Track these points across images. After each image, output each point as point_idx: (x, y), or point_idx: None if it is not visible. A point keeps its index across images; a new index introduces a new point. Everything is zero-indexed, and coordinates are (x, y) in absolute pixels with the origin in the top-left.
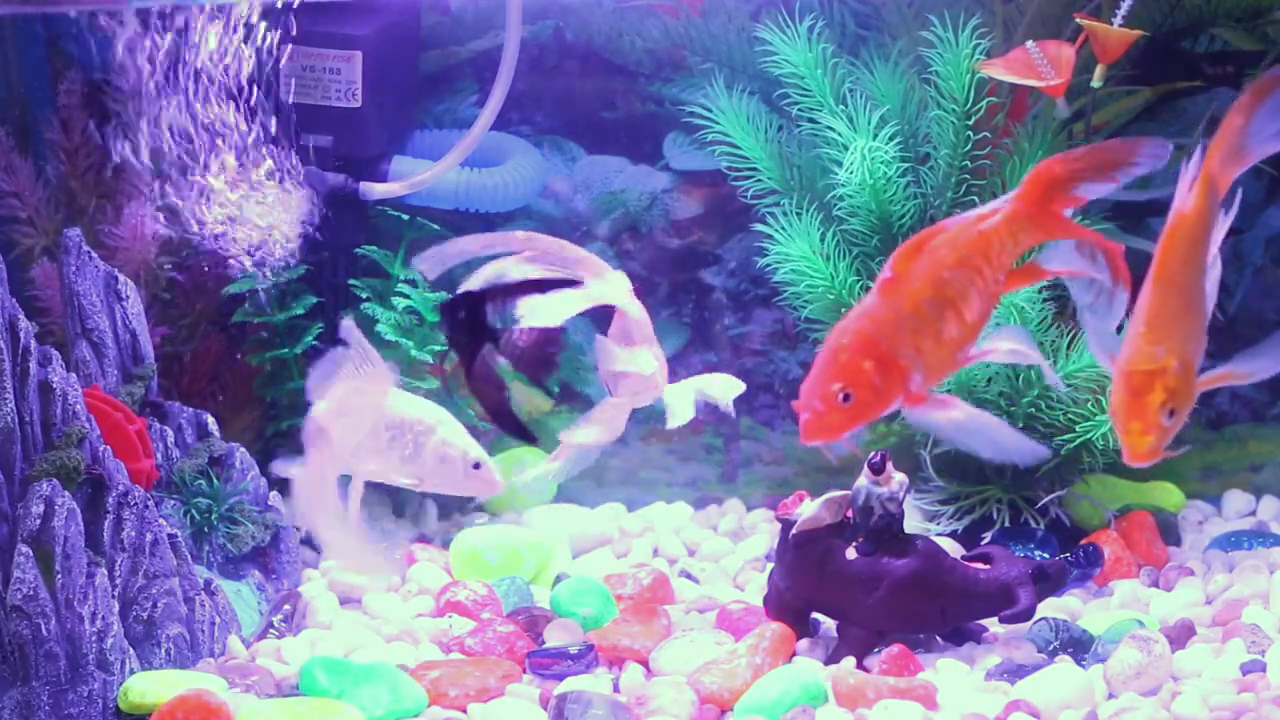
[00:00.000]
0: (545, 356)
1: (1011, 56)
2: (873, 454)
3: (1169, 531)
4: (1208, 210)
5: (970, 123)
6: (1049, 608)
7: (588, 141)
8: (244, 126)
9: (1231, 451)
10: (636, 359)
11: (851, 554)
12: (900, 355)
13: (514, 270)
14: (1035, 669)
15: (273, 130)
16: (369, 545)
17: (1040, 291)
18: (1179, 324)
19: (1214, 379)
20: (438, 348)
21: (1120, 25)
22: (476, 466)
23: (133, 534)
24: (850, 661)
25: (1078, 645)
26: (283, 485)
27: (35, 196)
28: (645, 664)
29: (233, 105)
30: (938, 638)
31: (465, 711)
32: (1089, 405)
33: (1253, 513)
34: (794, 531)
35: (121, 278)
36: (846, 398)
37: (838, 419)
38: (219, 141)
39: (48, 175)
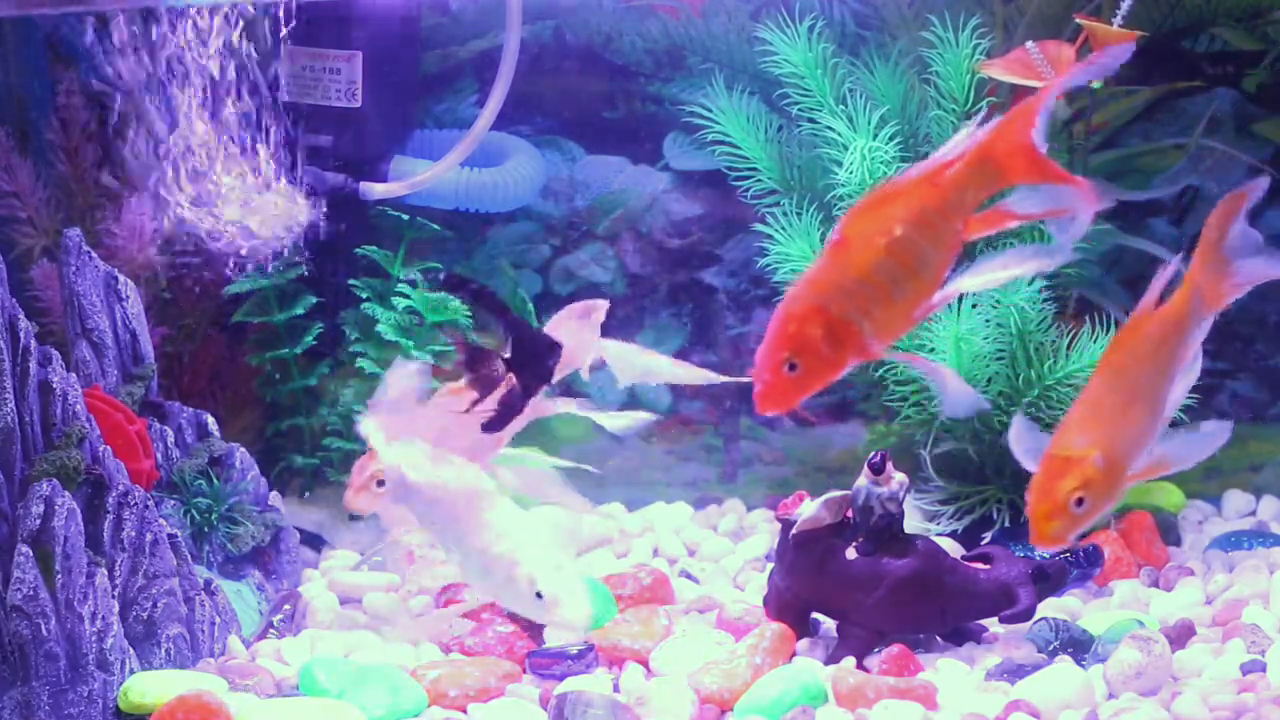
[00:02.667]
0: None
1: (1011, 57)
2: (873, 454)
3: (1169, 531)
4: (1185, 316)
5: (970, 123)
6: (1049, 608)
7: (588, 141)
8: (244, 127)
9: (1231, 451)
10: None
11: (851, 554)
12: (849, 319)
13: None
14: (1035, 669)
15: (273, 131)
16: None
17: (1040, 291)
18: (1116, 418)
19: (1144, 472)
20: (438, 348)
21: (1120, 25)
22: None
23: (133, 534)
24: (850, 661)
25: (1078, 645)
26: (282, 485)
27: (35, 196)
28: (645, 664)
29: (232, 105)
30: (938, 638)
31: (465, 711)
32: None
33: (1253, 513)
34: (794, 531)
35: (121, 278)
36: (793, 366)
37: (789, 388)
38: (219, 142)
39: (48, 175)
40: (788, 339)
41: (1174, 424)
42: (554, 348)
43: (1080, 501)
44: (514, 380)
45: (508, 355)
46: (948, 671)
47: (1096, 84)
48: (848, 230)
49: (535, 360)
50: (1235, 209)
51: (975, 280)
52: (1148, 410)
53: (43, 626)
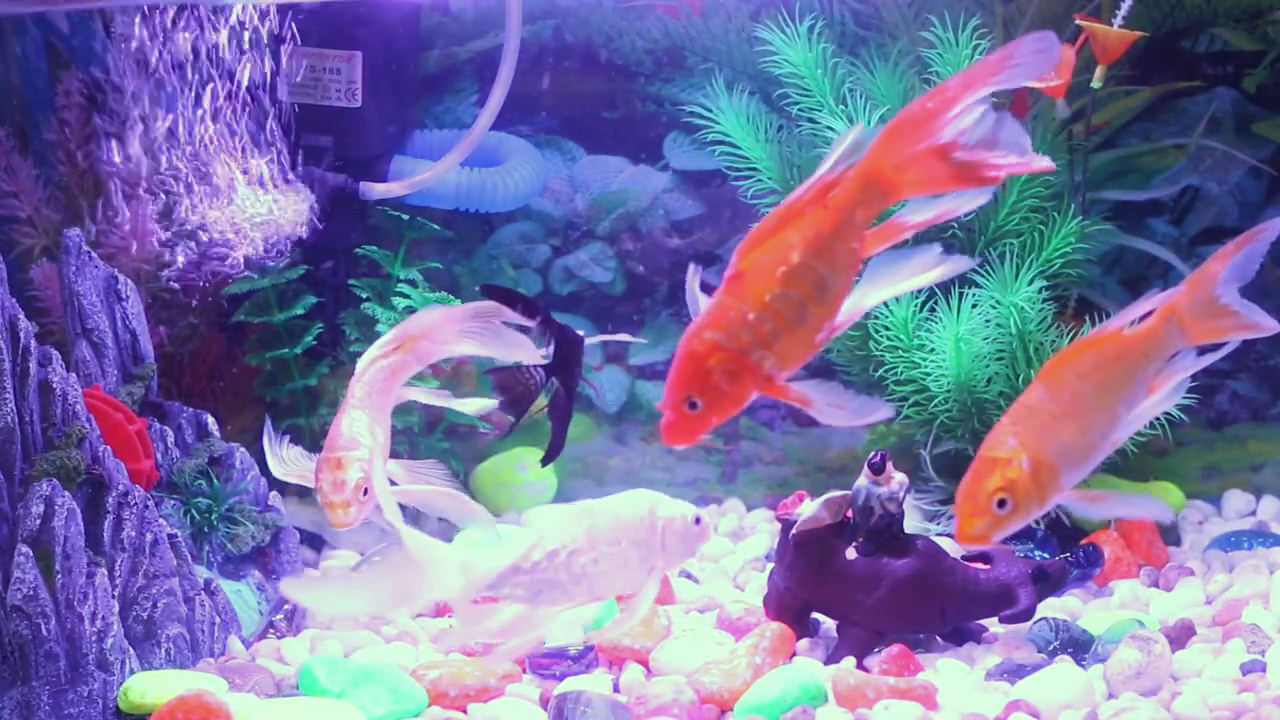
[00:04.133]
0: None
1: None
2: (873, 454)
3: (1169, 531)
4: (1154, 344)
5: None
6: (1049, 608)
7: (588, 141)
8: (243, 127)
9: (1231, 451)
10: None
11: (851, 554)
12: (749, 354)
13: None
14: (1035, 669)
15: (272, 130)
16: None
17: (1040, 291)
18: (1053, 426)
19: (1072, 495)
20: None
21: (1120, 26)
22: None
23: (133, 534)
24: (850, 661)
25: (1078, 645)
26: (282, 485)
27: (35, 196)
28: (645, 664)
29: (232, 105)
30: (938, 638)
31: (465, 711)
32: None
33: (1253, 513)
34: (794, 531)
35: (121, 278)
36: (693, 405)
37: (693, 424)
38: (218, 142)
39: (48, 175)
40: (687, 379)
41: (1171, 422)
42: (580, 340)
43: (1003, 503)
44: (552, 381)
45: (548, 358)
46: (948, 671)
47: (1096, 84)
48: (742, 263)
49: (571, 356)
50: (1245, 245)
51: (877, 294)
52: (1089, 427)
53: (43, 626)
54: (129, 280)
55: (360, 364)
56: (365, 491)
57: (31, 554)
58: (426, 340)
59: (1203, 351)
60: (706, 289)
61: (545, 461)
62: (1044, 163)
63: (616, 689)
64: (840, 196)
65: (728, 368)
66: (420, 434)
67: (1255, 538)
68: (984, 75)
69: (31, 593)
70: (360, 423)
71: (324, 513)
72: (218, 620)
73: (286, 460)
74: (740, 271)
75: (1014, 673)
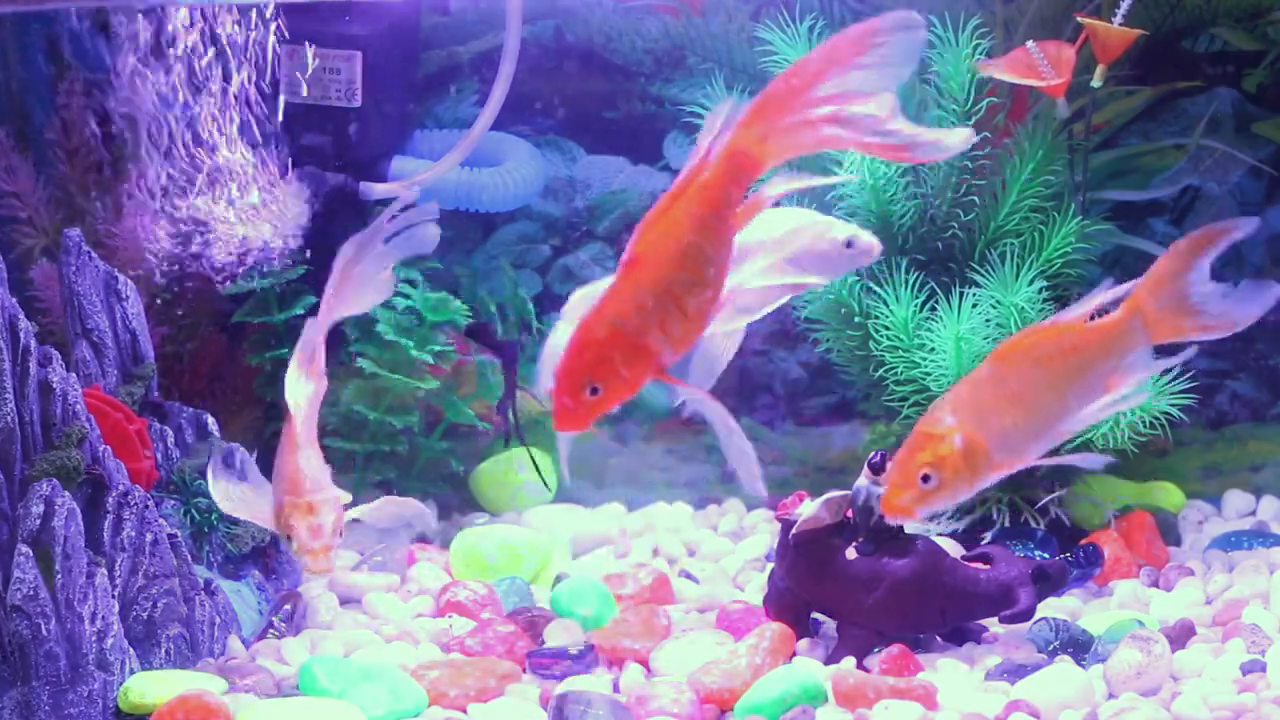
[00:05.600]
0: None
1: (1012, 56)
2: (873, 454)
3: (1169, 531)
4: (1114, 338)
5: (970, 123)
6: (1049, 608)
7: (588, 141)
8: (243, 127)
9: (1231, 451)
10: None
11: (851, 554)
12: (647, 338)
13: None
14: (1035, 669)
15: (272, 131)
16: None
17: (1040, 291)
18: (995, 409)
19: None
20: (437, 347)
21: (1120, 25)
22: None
23: (133, 534)
24: (850, 661)
25: (1078, 645)
26: None
27: (35, 196)
28: (645, 664)
29: (231, 105)
30: (938, 638)
31: (465, 711)
32: None
33: (1253, 513)
34: (794, 531)
35: (121, 278)
36: (594, 390)
37: (589, 409)
38: (218, 142)
39: (48, 175)
40: (587, 366)
41: (1171, 422)
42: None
43: (927, 478)
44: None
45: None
46: (948, 671)
47: (1096, 83)
48: (638, 247)
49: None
50: (1211, 242)
51: (755, 276)
52: (1033, 415)
53: (43, 626)
54: (129, 280)
55: (292, 400)
56: (340, 532)
57: (31, 554)
58: (319, 363)
59: (1171, 352)
60: None
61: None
62: (953, 142)
63: (616, 689)
64: (712, 175)
65: (629, 351)
66: (420, 434)
67: (1255, 538)
68: (846, 51)
69: (31, 593)
70: (315, 460)
71: (300, 559)
72: (218, 620)
73: (233, 496)
74: (636, 256)
75: (1014, 673)
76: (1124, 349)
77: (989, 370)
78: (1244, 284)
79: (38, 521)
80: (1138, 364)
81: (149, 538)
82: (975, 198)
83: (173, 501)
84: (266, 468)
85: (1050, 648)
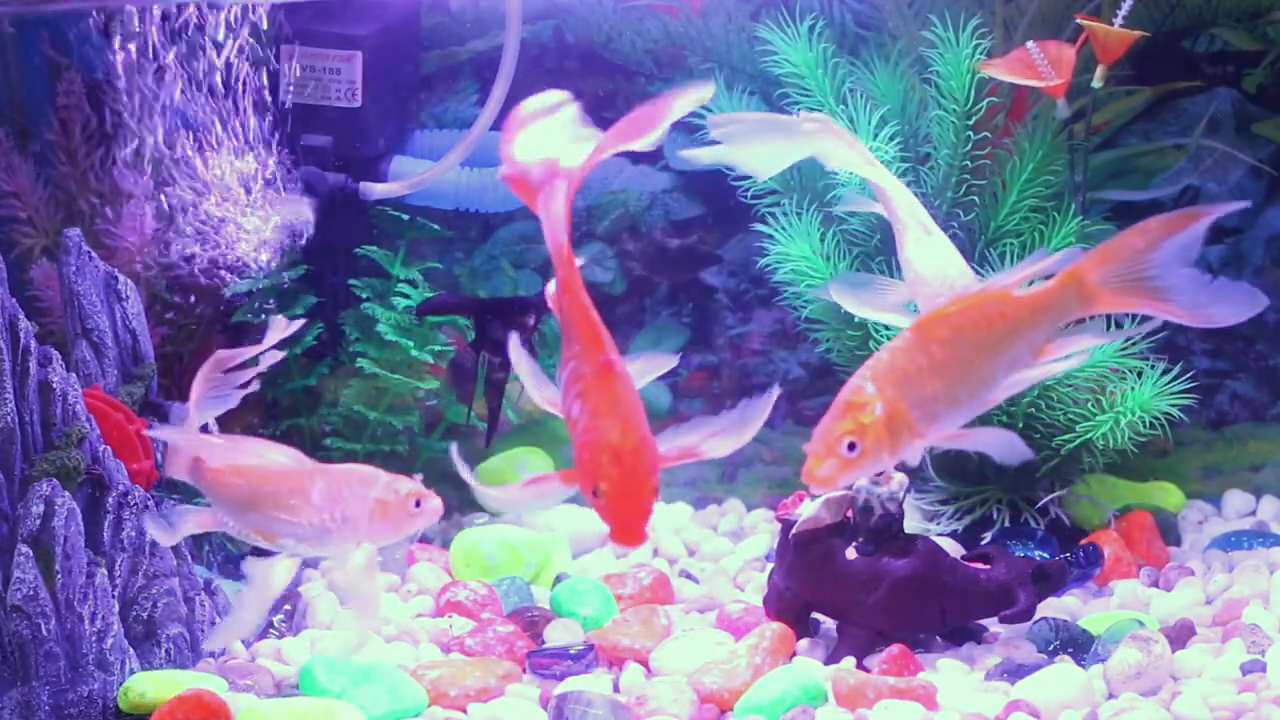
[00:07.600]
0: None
1: (1012, 57)
2: None
3: (1169, 531)
4: (1045, 307)
5: (970, 123)
6: (1049, 608)
7: None
8: (243, 127)
9: (1231, 451)
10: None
11: (851, 554)
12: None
13: None
14: (1035, 669)
15: (272, 131)
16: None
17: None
18: (915, 378)
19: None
20: (437, 347)
21: (1120, 25)
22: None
23: (133, 534)
24: (850, 661)
25: (1078, 645)
26: None
27: (35, 196)
28: (645, 664)
29: (231, 105)
30: (938, 638)
31: (465, 711)
32: (1089, 405)
33: (1253, 513)
34: (794, 531)
35: (121, 278)
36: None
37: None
38: (217, 142)
39: (48, 175)
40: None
41: (1171, 422)
42: (529, 306)
43: (852, 446)
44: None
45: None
46: (948, 671)
47: (1097, 83)
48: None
49: (494, 329)
50: (1189, 224)
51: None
52: (957, 383)
53: (43, 626)
54: (129, 280)
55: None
56: None
57: (31, 554)
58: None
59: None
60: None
61: (487, 441)
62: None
63: (616, 689)
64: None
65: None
66: (420, 434)
67: (1255, 538)
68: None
69: (31, 593)
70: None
71: None
72: (218, 620)
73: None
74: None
75: (1014, 673)
76: (1056, 318)
77: (911, 338)
78: (1236, 284)
79: (38, 521)
80: (1087, 333)
81: (149, 538)
82: (975, 198)
83: (173, 501)
84: None
85: (1050, 648)
